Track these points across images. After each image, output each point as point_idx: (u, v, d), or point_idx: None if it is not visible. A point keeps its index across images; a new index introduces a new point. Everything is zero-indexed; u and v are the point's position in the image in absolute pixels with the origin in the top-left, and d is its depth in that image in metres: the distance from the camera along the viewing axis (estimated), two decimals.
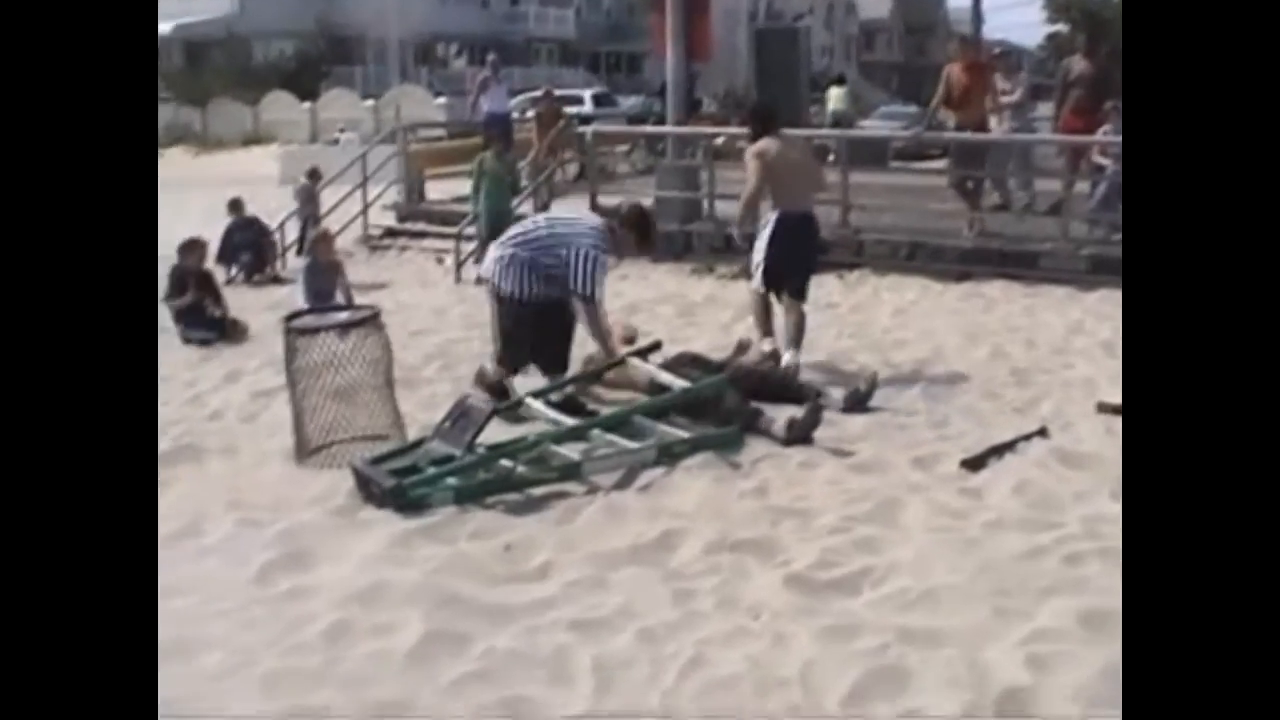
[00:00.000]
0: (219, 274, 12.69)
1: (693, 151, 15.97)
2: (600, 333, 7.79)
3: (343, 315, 7.85)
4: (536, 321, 7.73)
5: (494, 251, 7.84)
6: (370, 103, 43.46)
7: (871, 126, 34.93)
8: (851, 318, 11.07)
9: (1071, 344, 9.94)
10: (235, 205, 14.79)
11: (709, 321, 10.95)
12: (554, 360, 7.93)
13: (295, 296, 11.24)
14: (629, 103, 42.65)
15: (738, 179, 15.44)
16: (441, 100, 42.70)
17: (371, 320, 7.26)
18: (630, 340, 8.40)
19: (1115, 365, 9.07)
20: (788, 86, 15.79)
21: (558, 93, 22.66)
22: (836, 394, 7.96)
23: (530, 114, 21.11)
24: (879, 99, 58.37)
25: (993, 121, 14.33)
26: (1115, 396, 7.85)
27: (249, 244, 14.38)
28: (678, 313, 11.34)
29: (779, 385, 7.90)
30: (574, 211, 8.09)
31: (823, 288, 12.49)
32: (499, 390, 7.73)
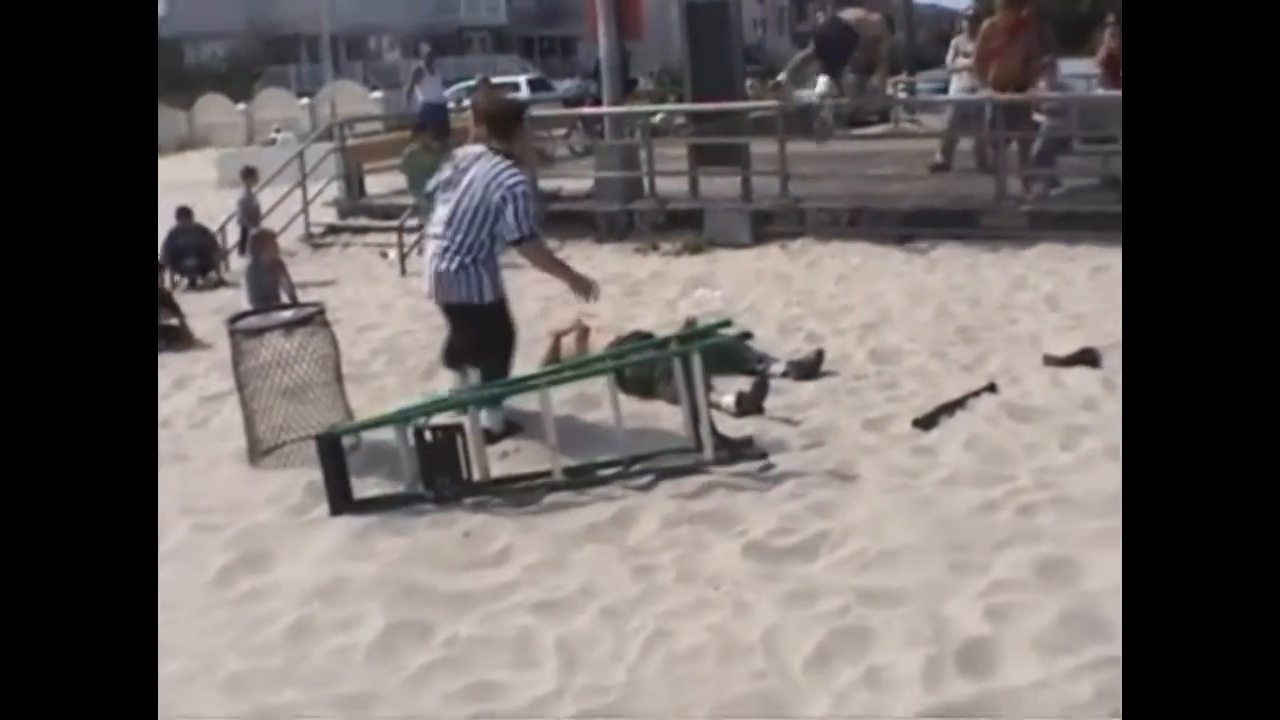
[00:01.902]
0: (164, 279, 12.62)
1: (631, 130, 15.95)
2: (551, 267, 7.08)
3: (287, 314, 7.80)
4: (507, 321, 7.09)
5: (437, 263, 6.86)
6: (305, 100, 43.20)
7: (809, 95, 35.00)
8: (797, 286, 11.11)
9: (1015, 299, 10.01)
10: (184, 213, 14.57)
11: (655, 299, 10.96)
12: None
13: (240, 299, 11.17)
14: (564, 86, 42.55)
15: (675, 155, 15.58)
16: (377, 94, 42.51)
17: (317, 317, 7.23)
18: (585, 331, 8.36)
19: (1058, 318, 9.18)
20: (720, 60, 15.75)
21: (494, 80, 22.58)
22: (782, 362, 8.00)
23: (467, 103, 21.02)
24: (815, 69, 58.59)
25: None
26: (1059, 349, 7.96)
27: (193, 248, 14.24)
28: (624, 292, 11.34)
29: (725, 353, 7.83)
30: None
31: (766, 258, 12.59)
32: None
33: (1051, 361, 7.83)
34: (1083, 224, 11.95)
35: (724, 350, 7.40)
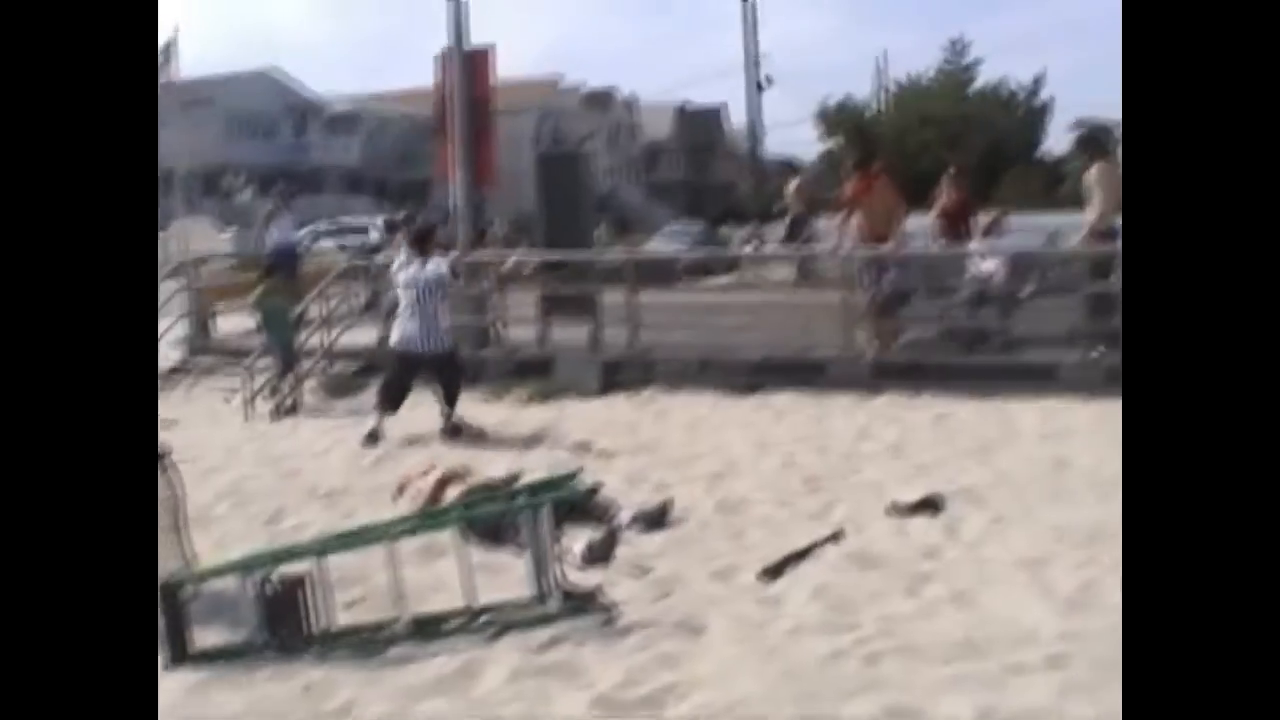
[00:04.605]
0: None
1: (481, 277, 16.03)
2: None
3: None
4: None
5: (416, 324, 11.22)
6: None
7: (658, 245, 35.54)
8: (645, 435, 11.16)
9: (860, 449, 10.20)
10: None
11: (505, 447, 10.93)
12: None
13: None
14: None
15: (526, 302, 15.68)
16: (228, 232, 42.12)
17: (160, 460, 7.07)
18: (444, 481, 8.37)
19: (902, 467, 9.37)
20: (572, 209, 16.00)
21: (346, 220, 22.54)
22: (629, 512, 8.01)
23: (322, 244, 20.91)
24: (664, 216, 59.69)
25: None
26: (903, 497, 8.11)
27: None
28: (472, 440, 11.30)
29: (573, 503, 7.85)
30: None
31: (614, 407, 12.66)
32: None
33: (895, 510, 7.97)
34: (925, 375, 12.28)
35: (572, 501, 7.41)
